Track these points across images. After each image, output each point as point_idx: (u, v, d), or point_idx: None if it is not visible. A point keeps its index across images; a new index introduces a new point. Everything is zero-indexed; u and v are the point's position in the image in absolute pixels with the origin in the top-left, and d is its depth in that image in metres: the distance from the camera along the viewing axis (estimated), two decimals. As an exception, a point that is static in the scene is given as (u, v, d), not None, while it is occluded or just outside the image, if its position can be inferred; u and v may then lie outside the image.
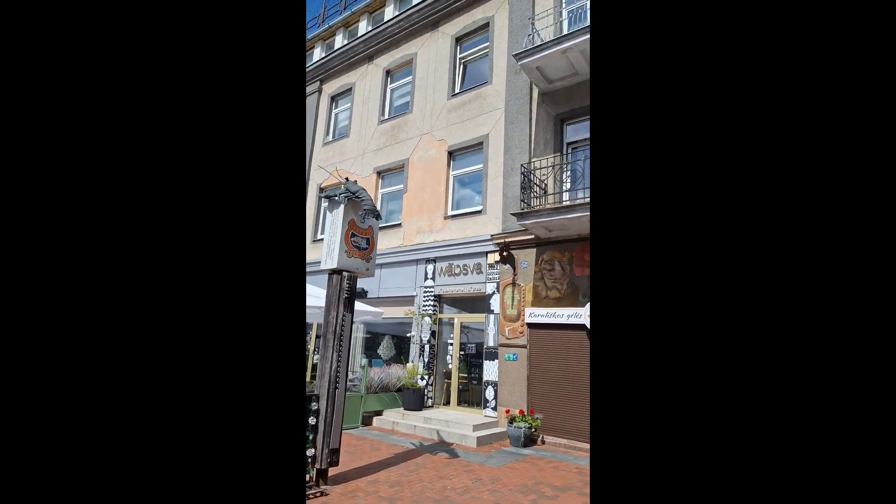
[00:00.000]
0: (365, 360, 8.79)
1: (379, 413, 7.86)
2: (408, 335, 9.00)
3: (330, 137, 12.42)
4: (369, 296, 9.62)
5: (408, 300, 9.19)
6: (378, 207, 10.34)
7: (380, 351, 9.62)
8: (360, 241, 5.07)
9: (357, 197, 4.89)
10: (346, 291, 4.80)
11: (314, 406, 4.39)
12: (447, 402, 8.36)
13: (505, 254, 7.64)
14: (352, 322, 4.85)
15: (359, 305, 7.69)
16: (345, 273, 4.85)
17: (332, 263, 4.77)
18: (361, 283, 10.07)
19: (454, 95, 9.62)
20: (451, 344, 8.47)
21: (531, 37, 8.04)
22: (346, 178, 5.15)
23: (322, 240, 11.31)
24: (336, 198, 4.98)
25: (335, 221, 4.92)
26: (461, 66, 9.89)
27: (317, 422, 4.37)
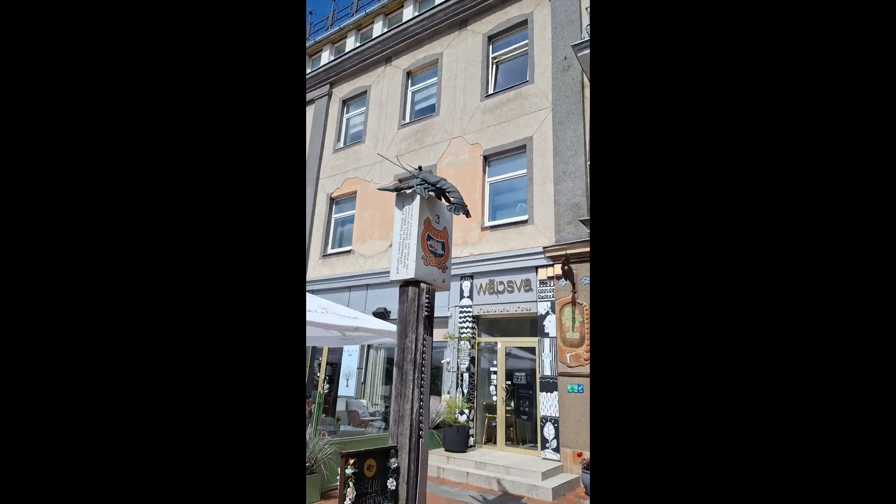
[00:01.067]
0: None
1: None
2: (443, 362, 7.86)
3: (342, 143, 11.41)
4: (392, 316, 8.47)
5: (440, 322, 8.08)
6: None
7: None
8: (435, 245, 4.03)
9: (439, 188, 3.88)
10: (426, 308, 3.73)
11: (393, 463, 3.25)
12: (490, 440, 7.20)
13: (566, 268, 6.68)
14: (431, 348, 3.77)
15: (384, 325, 6.54)
16: (423, 285, 3.78)
17: (409, 272, 3.70)
18: (383, 302, 8.94)
19: (488, 96, 8.80)
20: (495, 372, 7.37)
21: (588, 27, 7.32)
22: (420, 167, 4.14)
23: (332, 254, 10.15)
24: (408, 191, 3.95)
25: (408, 220, 3.87)
26: (494, 66, 9.12)
27: (397, 485, 3.22)
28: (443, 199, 4.09)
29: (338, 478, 2.90)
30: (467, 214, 4.04)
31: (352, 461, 2.96)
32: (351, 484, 2.92)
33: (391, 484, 3.19)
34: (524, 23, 8.76)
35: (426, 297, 3.74)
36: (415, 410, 3.43)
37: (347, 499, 2.88)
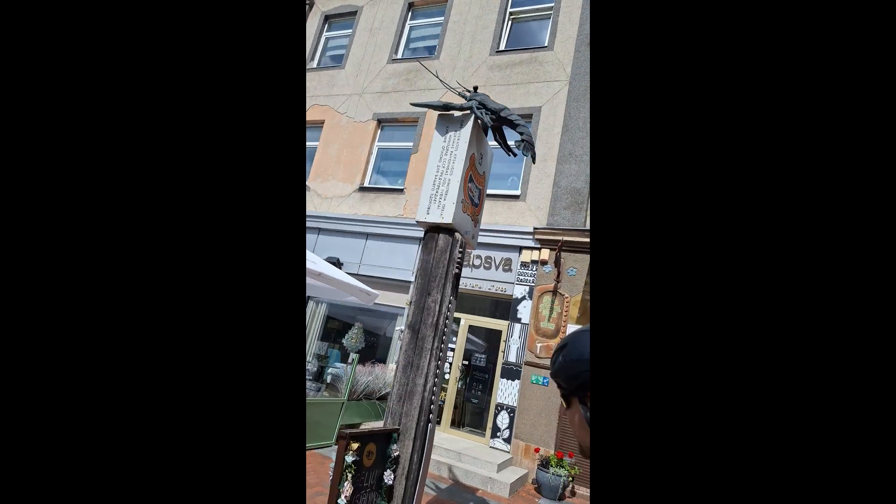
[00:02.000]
0: (355, 357, 6.68)
1: (356, 427, 5.89)
2: (396, 329, 7.11)
3: (315, 63, 9.91)
4: (345, 270, 7.49)
5: (401, 285, 7.29)
6: (371, 162, 8.33)
7: (345, 341, 7.55)
8: (474, 191, 3.26)
9: (503, 118, 3.08)
10: (457, 264, 2.97)
11: (395, 450, 2.50)
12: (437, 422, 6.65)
13: (558, 255, 6.21)
14: (454, 313, 3.03)
15: (340, 275, 5.58)
16: (457, 235, 3.01)
17: (444, 216, 2.90)
18: (335, 252, 7.92)
19: (499, 52, 7.98)
20: (452, 350, 6.79)
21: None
22: (475, 88, 3.30)
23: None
24: (456, 112, 3.11)
25: (450, 149, 3.05)
26: (509, 22, 8.29)
27: (394, 478, 2.49)
28: (496, 137, 3.30)
29: (332, 466, 2.10)
30: (534, 159, 3.29)
31: (354, 446, 2.17)
32: (349, 476, 2.13)
33: (388, 477, 2.44)
34: (553, -16, 8.01)
35: (459, 252, 2.97)
36: (428, 387, 2.69)
37: (343, 496, 2.09)
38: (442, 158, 3.06)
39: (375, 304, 6.30)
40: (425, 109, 8.06)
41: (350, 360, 6.45)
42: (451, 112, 3.13)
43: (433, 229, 2.96)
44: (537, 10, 8.11)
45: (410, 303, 2.90)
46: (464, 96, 3.17)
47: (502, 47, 8.10)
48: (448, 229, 2.94)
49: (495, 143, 3.39)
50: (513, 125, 3.06)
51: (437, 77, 3.87)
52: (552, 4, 7.88)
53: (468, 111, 3.06)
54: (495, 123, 3.09)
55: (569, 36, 7.49)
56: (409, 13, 9.26)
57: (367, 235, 7.79)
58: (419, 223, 3.01)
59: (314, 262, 5.20)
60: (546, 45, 7.68)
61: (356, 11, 9.75)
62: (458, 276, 3.00)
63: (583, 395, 0.73)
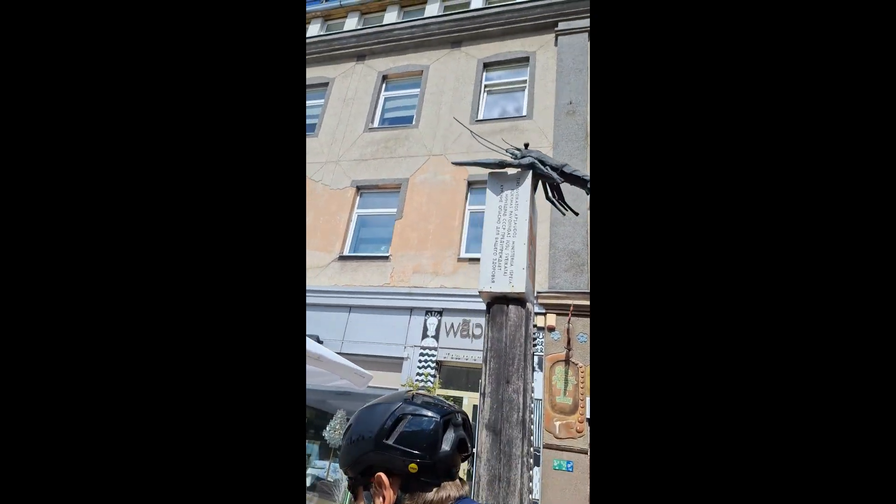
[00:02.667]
0: None
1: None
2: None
3: (284, 132, 9.57)
4: (326, 348, 6.66)
5: (392, 363, 6.55)
6: (351, 229, 7.83)
7: (327, 434, 6.54)
8: (532, 254, 2.86)
9: (569, 173, 2.78)
10: (533, 342, 2.48)
11: None
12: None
13: (569, 321, 5.85)
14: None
15: (333, 356, 4.84)
16: (529, 306, 2.55)
17: (513, 284, 2.46)
18: (311, 327, 7.10)
19: (479, 121, 8.07)
20: (456, 434, 6.00)
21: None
22: (526, 145, 3.01)
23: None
24: (510, 170, 2.79)
25: (510, 209, 2.68)
26: (484, 93, 8.51)
27: None
28: (553, 195, 2.98)
29: None
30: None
31: None
32: None
33: None
34: (525, 59, 8.41)
35: (534, 326, 2.50)
36: (526, 508, 2.07)
37: None
38: (501, 219, 2.67)
39: (375, 385, 5.52)
40: (408, 175, 7.83)
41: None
42: (504, 170, 2.80)
43: (500, 300, 2.50)
44: (513, 83, 8.41)
45: (483, 394, 2.34)
46: (514, 154, 2.87)
47: (481, 116, 8.22)
48: (519, 299, 2.48)
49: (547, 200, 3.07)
50: (581, 181, 2.76)
51: (479, 138, 3.59)
52: (526, 77, 8.21)
53: (525, 168, 2.75)
54: (559, 181, 2.78)
55: (546, 105, 7.74)
56: (384, 85, 9.32)
57: (350, 308, 7.10)
58: (482, 293, 2.54)
59: (310, 344, 4.46)
60: (525, 114, 7.87)
61: (328, 83, 9.71)
62: (533, 357, 2.50)
63: (367, 483, 0.68)
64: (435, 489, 0.65)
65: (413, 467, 0.64)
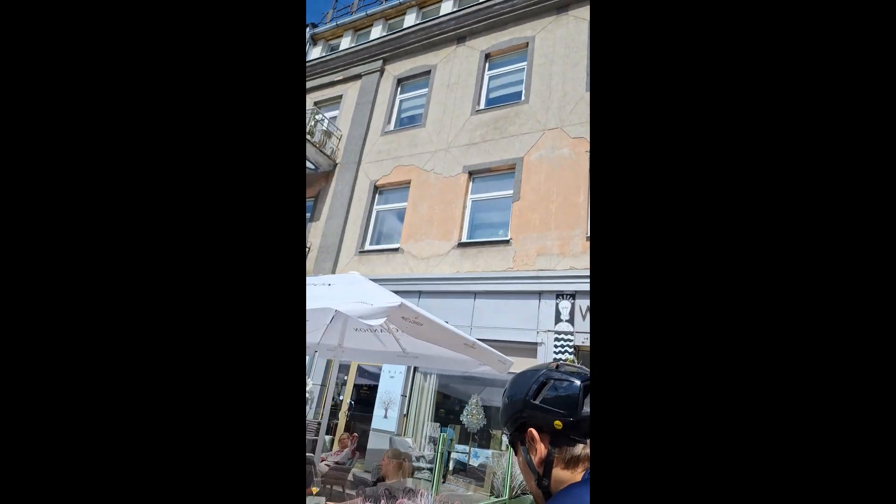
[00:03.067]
0: (505, 440, 5.70)
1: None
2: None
3: (391, 126, 9.78)
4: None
5: (527, 349, 6.35)
6: (466, 216, 7.70)
7: (464, 418, 6.57)
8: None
9: None
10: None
11: None
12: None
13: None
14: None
15: (480, 343, 4.71)
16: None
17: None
18: (441, 315, 7.14)
19: (596, 87, 7.43)
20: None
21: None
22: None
23: (372, 251, 8.34)
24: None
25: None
26: (599, 57, 7.81)
27: None
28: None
29: None
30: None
31: None
32: None
33: None
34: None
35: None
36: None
37: None
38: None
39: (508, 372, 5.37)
40: (522, 154, 7.49)
41: (505, 447, 5.41)
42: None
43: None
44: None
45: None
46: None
47: (598, 81, 7.58)
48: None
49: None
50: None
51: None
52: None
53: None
54: None
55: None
56: (487, 63, 9.04)
57: (475, 294, 7.02)
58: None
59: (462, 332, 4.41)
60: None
61: (429, 70, 9.68)
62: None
63: (522, 438, 0.76)
64: (581, 446, 0.72)
65: (558, 424, 0.72)
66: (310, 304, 3.17)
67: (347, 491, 5.34)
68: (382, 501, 2.46)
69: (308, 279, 3.85)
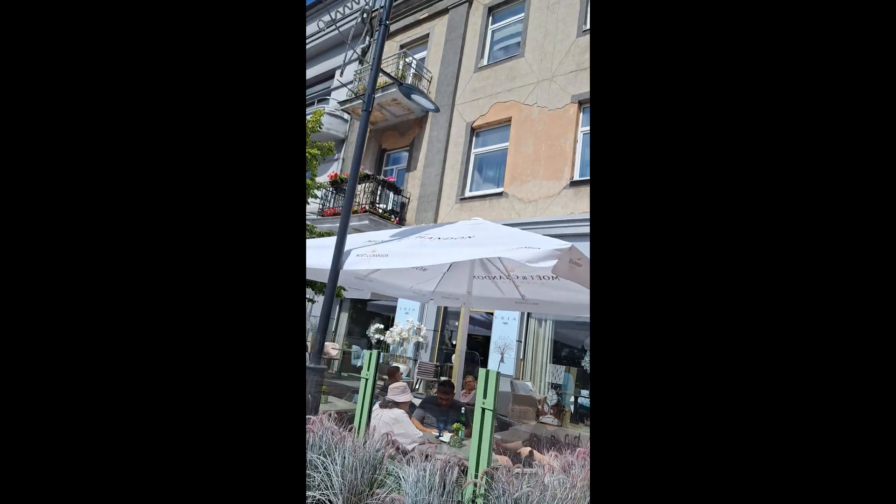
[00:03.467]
0: None
1: None
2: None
3: (485, 61, 9.12)
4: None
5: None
6: (578, 151, 7.03)
7: (586, 363, 6.31)
8: None
9: None
10: None
11: None
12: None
13: None
14: None
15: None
16: None
17: None
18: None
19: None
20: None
21: None
22: None
23: (473, 197, 8.02)
24: None
25: None
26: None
27: None
28: None
29: None
30: None
31: None
32: None
33: None
34: None
35: None
36: None
37: None
38: None
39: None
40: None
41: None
42: None
43: None
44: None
45: None
46: None
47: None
48: None
49: None
50: None
51: None
52: None
53: None
54: None
55: None
56: (592, -26, 7.91)
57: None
58: None
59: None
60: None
61: (525, -8, 8.72)
62: None
63: None
64: None
65: None
66: (456, 255, 2.98)
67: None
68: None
69: (433, 230, 3.66)
